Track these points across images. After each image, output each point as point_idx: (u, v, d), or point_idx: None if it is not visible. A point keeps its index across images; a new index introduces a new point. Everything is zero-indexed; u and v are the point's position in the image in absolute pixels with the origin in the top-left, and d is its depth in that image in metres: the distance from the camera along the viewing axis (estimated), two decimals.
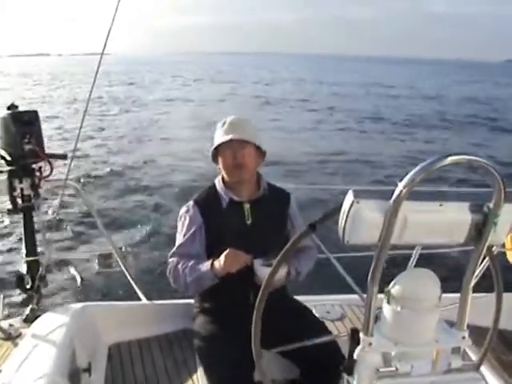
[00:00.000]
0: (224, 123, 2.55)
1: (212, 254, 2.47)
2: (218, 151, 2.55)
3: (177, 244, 2.60)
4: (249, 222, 2.56)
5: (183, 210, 2.63)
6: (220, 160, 2.56)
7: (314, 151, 16.43)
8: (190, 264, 2.46)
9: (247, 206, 2.57)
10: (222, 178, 2.63)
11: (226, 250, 2.35)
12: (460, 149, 16.52)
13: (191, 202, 2.61)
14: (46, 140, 3.03)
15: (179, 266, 2.49)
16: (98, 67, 2.65)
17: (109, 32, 2.60)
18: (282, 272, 2.39)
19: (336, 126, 22.72)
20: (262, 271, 2.31)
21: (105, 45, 2.63)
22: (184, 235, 2.57)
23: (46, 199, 3.09)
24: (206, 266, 2.41)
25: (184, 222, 2.59)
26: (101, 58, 2.63)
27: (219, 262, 2.36)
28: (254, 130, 2.59)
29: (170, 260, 2.57)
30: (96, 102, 25.19)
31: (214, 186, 2.65)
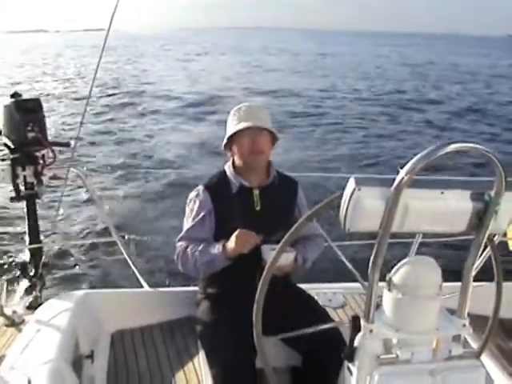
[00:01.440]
0: (239, 110, 2.56)
1: (220, 238, 2.48)
2: (232, 138, 2.55)
3: (185, 228, 2.60)
4: (258, 208, 2.56)
5: (193, 194, 2.62)
6: (236, 146, 2.56)
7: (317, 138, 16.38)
8: (199, 248, 2.46)
9: (256, 192, 2.57)
10: (233, 164, 2.63)
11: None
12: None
13: (201, 187, 2.61)
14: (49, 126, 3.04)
15: (188, 249, 2.49)
16: (104, 47, 2.63)
17: (115, 8, 2.56)
18: (291, 257, 2.39)
19: (341, 108, 22.56)
20: (270, 256, 2.32)
21: (111, 22, 2.59)
22: (193, 219, 2.57)
23: (49, 187, 3.09)
24: (217, 248, 2.42)
25: (193, 206, 2.59)
26: (106, 37, 2.60)
27: (230, 244, 2.37)
28: (268, 117, 2.60)
29: (179, 244, 2.56)
30: (99, 85, 25.01)
31: (224, 171, 2.65)
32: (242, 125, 2.49)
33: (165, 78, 32.17)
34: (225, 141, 2.59)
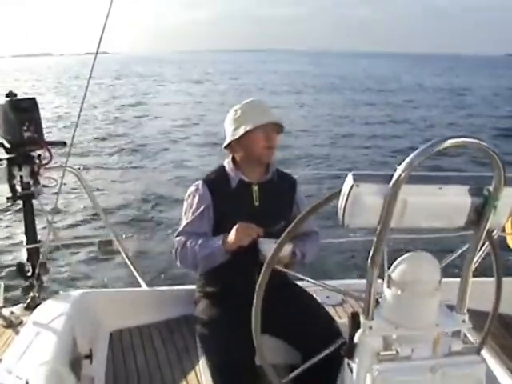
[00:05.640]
0: (248, 105, 2.55)
1: (219, 233, 2.48)
2: (245, 132, 2.49)
3: (184, 222, 2.59)
4: (257, 203, 2.56)
5: (192, 188, 2.61)
6: (250, 141, 2.50)
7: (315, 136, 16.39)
8: (199, 242, 2.45)
9: (255, 188, 2.56)
10: (233, 159, 2.62)
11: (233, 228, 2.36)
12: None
13: (200, 182, 2.60)
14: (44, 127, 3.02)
15: (187, 243, 2.48)
16: (93, 64, 2.60)
17: (103, 29, 2.53)
18: (287, 250, 2.36)
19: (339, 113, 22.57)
20: (266, 247, 2.30)
21: (99, 42, 2.57)
22: (192, 213, 2.56)
23: (46, 186, 3.07)
24: (216, 241, 2.41)
25: (193, 201, 2.58)
26: (96, 54, 2.58)
27: (230, 236, 2.36)
28: None
29: (177, 239, 2.55)
30: (94, 93, 25.01)
31: (223, 166, 2.64)
32: (262, 119, 2.47)
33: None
34: (236, 136, 2.52)
